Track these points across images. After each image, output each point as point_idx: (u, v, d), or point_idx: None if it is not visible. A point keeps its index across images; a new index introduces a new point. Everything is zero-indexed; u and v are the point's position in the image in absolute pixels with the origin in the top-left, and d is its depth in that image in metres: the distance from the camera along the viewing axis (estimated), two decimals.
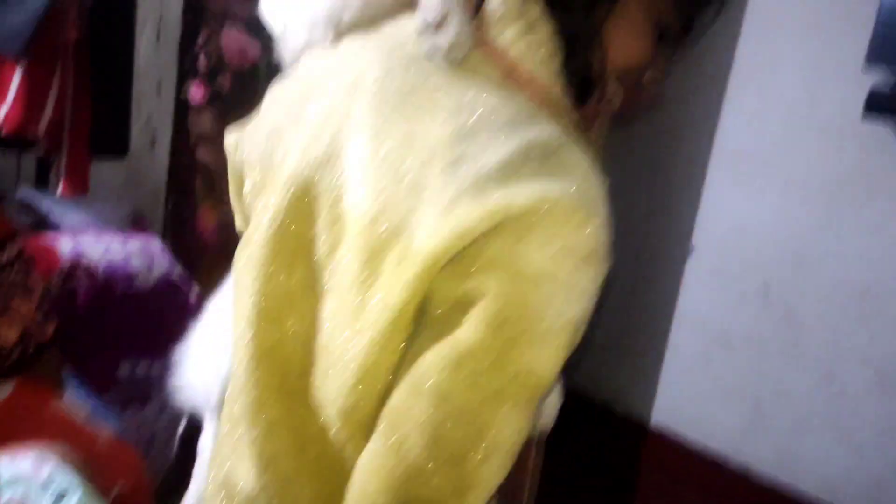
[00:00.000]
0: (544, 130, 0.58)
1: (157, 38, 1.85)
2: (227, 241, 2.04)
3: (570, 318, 0.54)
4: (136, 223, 1.78)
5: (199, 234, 2.03)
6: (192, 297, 1.67)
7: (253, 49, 1.99)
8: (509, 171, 0.54)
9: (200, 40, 1.96)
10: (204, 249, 2.02)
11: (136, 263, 1.57)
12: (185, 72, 1.96)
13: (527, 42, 0.62)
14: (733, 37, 2.04)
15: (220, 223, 2.00)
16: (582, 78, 0.65)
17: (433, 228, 0.53)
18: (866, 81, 1.79)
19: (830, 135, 1.91)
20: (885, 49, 1.76)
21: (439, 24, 0.60)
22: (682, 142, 2.02)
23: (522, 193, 0.52)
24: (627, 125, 0.69)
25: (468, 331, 0.53)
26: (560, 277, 0.53)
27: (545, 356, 0.54)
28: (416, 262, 0.54)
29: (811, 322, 1.97)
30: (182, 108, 2.01)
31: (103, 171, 1.83)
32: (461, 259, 0.53)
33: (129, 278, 1.56)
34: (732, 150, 1.94)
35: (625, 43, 0.66)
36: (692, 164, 1.96)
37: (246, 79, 1.98)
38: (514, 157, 0.55)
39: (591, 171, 0.57)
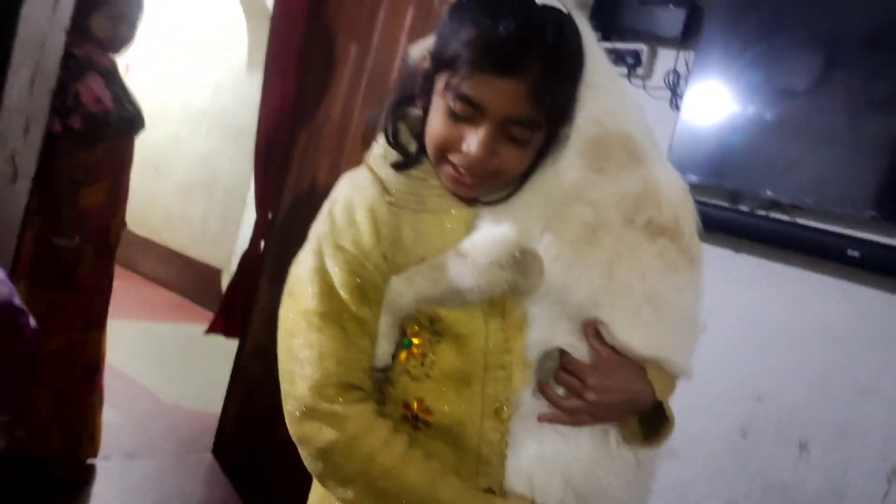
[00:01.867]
0: None
1: (32, 82, 1.94)
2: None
3: None
4: None
5: None
6: (29, 330, 1.70)
7: (107, 99, 2.16)
8: None
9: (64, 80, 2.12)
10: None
11: None
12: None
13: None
14: None
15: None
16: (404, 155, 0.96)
17: None
18: None
19: None
20: (678, 162, 2.11)
21: None
22: None
23: None
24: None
25: None
26: None
27: None
28: None
29: None
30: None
31: None
32: None
33: None
34: None
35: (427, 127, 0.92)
36: None
37: (94, 123, 2.21)
38: None
39: None
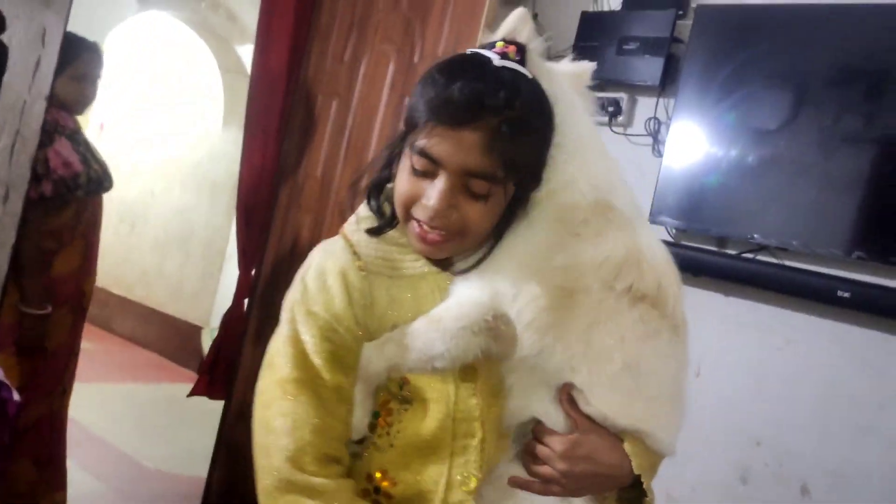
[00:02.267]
0: None
1: (12, 150, 1.91)
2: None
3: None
4: None
5: None
6: (12, 405, 1.64)
7: (75, 161, 2.14)
8: None
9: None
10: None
11: None
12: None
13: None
14: None
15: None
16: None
17: None
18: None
19: None
20: (663, 208, 2.13)
21: None
22: None
23: None
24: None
25: None
26: None
27: None
28: None
29: None
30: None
31: None
32: None
33: None
34: None
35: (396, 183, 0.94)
36: None
37: (64, 188, 2.16)
38: None
39: None
